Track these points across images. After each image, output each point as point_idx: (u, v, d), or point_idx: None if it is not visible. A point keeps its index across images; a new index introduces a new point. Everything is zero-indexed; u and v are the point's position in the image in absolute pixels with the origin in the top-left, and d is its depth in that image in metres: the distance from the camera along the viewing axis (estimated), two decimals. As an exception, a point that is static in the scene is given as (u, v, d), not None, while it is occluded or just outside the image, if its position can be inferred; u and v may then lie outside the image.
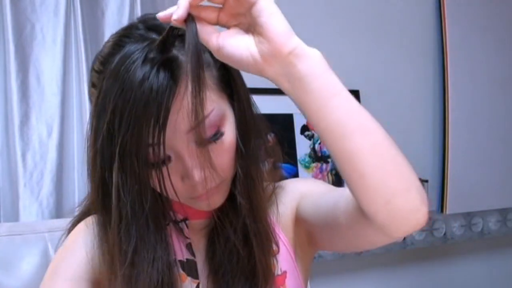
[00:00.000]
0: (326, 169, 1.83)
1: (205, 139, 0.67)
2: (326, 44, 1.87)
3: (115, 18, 1.54)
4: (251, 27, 0.62)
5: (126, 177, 0.66)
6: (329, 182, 1.84)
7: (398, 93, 2.01)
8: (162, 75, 0.63)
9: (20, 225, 1.22)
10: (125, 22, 1.54)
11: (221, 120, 0.69)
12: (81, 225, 0.80)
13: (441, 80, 2.04)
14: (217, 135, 0.68)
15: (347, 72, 1.89)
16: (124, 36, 0.70)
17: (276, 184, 0.84)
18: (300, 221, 0.83)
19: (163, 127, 0.63)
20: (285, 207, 0.83)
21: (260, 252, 0.75)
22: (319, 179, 1.83)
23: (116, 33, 0.73)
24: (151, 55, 0.64)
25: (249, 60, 0.61)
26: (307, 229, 0.83)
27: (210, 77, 0.68)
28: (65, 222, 0.88)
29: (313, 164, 1.82)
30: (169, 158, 0.68)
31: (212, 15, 0.63)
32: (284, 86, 0.62)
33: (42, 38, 1.46)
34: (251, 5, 0.60)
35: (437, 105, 2.06)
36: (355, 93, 1.90)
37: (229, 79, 0.71)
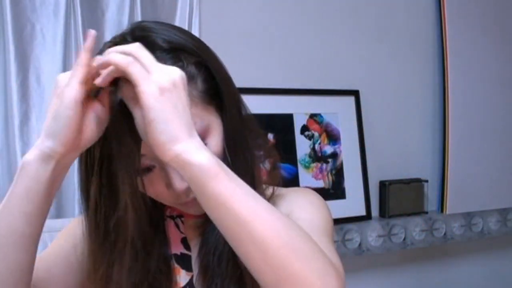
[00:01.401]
0: (326, 169, 1.83)
1: None
2: (326, 44, 1.88)
3: (115, 18, 1.54)
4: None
5: (110, 182, 0.69)
6: (329, 182, 1.84)
7: (398, 93, 2.01)
8: None
9: (20, 225, 1.22)
10: (125, 22, 1.54)
11: (205, 132, 0.69)
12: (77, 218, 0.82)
13: (441, 80, 2.04)
14: None
15: (347, 72, 1.91)
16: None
17: (277, 192, 0.82)
18: None
19: (138, 140, 0.65)
20: None
21: None
22: (319, 179, 1.82)
23: (109, 41, 0.72)
24: None
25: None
26: None
27: (193, 90, 0.68)
28: (65, 222, 0.88)
29: (313, 164, 1.82)
30: (154, 166, 0.70)
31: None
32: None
33: (42, 38, 1.46)
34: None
35: (437, 105, 2.06)
36: (355, 93, 1.90)
37: (216, 89, 0.71)
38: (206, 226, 0.78)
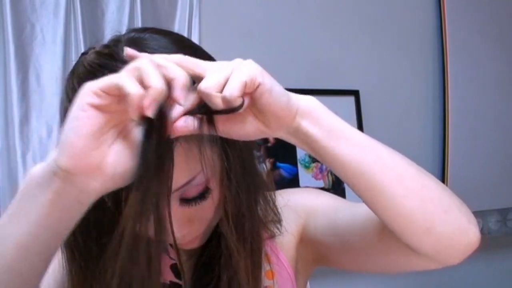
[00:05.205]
0: (326, 169, 1.83)
1: (189, 199, 0.61)
2: (326, 44, 1.88)
3: (115, 18, 1.54)
4: (250, 107, 0.56)
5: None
6: (329, 182, 1.84)
7: (398, 93, 2.01)
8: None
9: (20, 225, 1.22)
10: (125, 22, 1.54)
11: (209, 177, 0.61)
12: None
13: (441, 80, 2.04)
14: (205, 193, 0.62)
15: (347, 72, 1.91)
16: (103, 65, 0.58)
17: (279, 198, 0.75)
18: (308, 241, 0.76)
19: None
20: (288, 226, 0.75)
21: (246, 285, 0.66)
22: (319, 179, 1.82)
23: (97, 52, 0.60)
24: None
25: (256, 134, 0.57)
26: (318, 249, 0.76)
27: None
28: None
29: (313, 164, 1.82)
30: None
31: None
32: (292, 141, 0.60)
33: (42, 38, 1.46)
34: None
35: (437, 105, 2.06)
36: (355, 93, 1.90)
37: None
38: (203, 253, 0.68)
